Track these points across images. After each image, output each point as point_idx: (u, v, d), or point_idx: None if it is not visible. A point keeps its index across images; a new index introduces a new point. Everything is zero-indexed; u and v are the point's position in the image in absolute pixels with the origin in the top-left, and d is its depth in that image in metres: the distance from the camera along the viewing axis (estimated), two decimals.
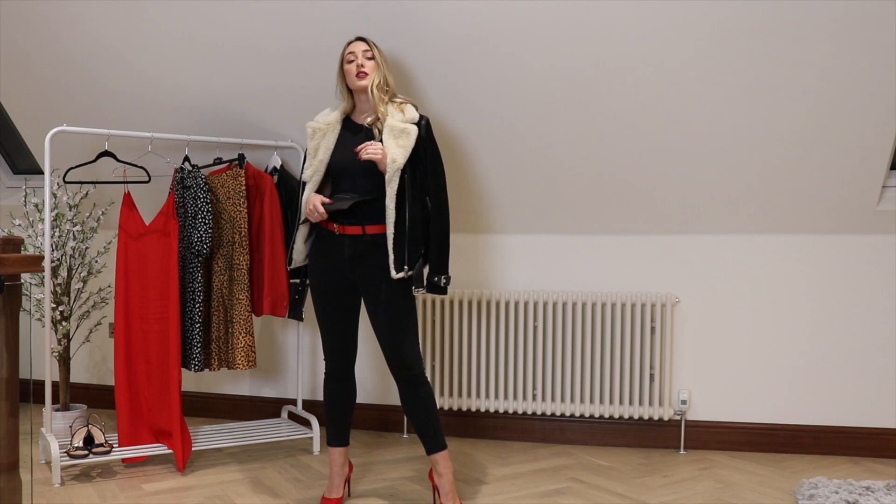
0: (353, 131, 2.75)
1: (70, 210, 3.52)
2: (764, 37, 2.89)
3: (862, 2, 2.74)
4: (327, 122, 2.77)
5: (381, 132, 2.66)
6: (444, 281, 2.71)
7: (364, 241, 2.66)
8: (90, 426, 3.20)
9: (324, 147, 2.73)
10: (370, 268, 2.66)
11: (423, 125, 2.69)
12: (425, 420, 2.70)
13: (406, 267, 2.61)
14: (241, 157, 3.39)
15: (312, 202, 2.66)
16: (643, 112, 3.18)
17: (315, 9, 3.09)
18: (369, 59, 2.73)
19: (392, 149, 2.60)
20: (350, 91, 2.78)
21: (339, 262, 2.69)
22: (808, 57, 2.92)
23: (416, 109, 2.73)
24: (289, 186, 3.46)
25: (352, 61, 2.74)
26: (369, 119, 2.72)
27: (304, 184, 2.76)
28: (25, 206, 3.57)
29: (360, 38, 2.80)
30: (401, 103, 2.73)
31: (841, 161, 3.18)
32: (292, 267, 2.86)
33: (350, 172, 2.69)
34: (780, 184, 3.28)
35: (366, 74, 2.71)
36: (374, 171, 2.63)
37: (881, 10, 2.75)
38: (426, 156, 2.68)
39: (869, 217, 3.32)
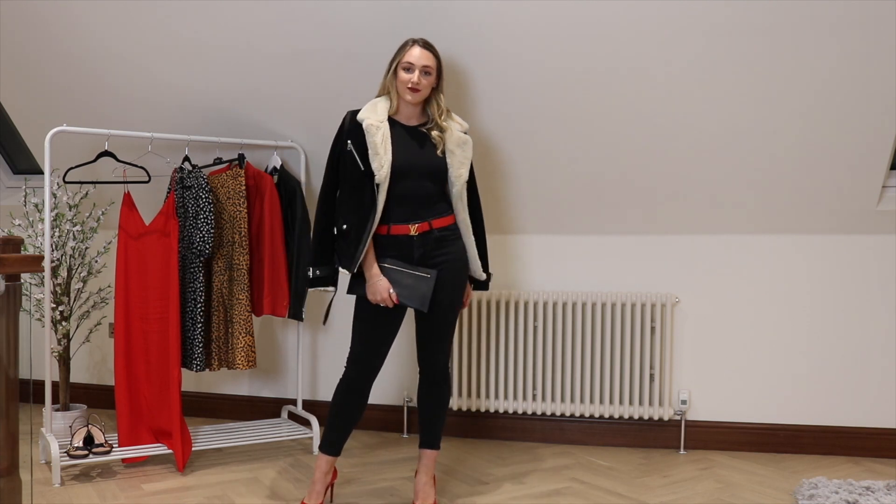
0: (411, 134, 2.67)
1: (70, 210, 3.52)
2: (766, 37, 2.89)
3: (862, 2, 2.74)
4: (380, 120, 2.60)
5: (443, 143, 2.66)
6: (490, 277, 2.89)
7: (432, 236, 2.63)
8: (90, 426, 3.20)
9: (384, 145, 2.57)
10: (441, 263, 2.64)
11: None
12: (436, 415, 2.78)
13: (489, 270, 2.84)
14: (241, 157, 3.39)
15: (386, 293, 2.53)
16: (643, 113, 3.18)
17: (315, 9, 3.08)
18: (427, 74, 2.60)
19: (458, 163, 2.66)
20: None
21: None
22: (808, 57, 2.92)
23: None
24: (288, 186, 3.45)
25: (408, 69, 2.59)
26: (427, 126, 2.69)
27: (377, 183, 2.53)
28: (25, 206, 3.57)
29: (425, 46, 2.61)
30: (448, 110, 2.71)
31: (841, 161, 3.17)
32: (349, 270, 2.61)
33: (411, 175, 2.61)
34: (781, 184, 3.28)
35: (417, 91, 2.61)
36: (434, 174, 2.65)
37: (881, 10, 2.75)
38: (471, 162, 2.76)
39: (869, 217, 3.32)
